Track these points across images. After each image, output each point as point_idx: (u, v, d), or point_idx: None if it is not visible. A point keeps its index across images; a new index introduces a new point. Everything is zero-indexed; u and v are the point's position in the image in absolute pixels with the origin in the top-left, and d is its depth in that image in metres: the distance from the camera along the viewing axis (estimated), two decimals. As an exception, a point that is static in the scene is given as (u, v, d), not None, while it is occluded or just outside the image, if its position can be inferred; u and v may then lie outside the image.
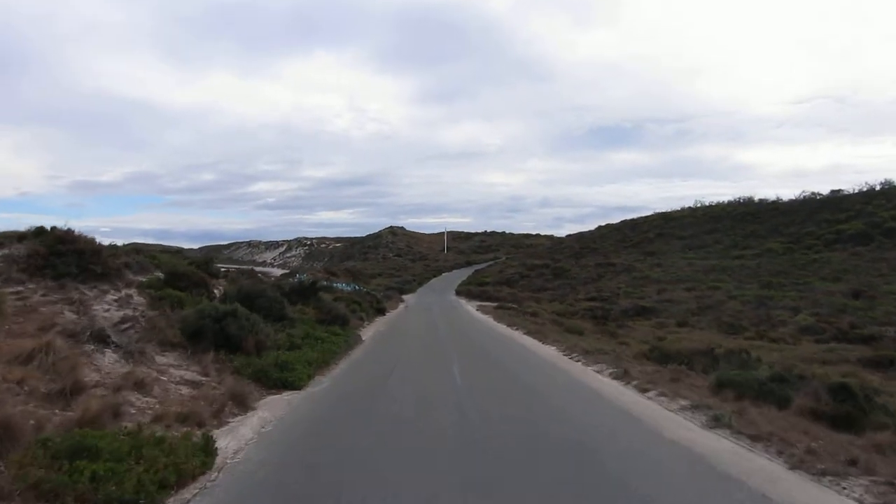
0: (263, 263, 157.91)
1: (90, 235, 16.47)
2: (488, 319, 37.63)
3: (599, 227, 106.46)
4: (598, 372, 15.32)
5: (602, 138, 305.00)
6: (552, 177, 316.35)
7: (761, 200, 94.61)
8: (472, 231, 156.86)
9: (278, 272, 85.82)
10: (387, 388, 12.12)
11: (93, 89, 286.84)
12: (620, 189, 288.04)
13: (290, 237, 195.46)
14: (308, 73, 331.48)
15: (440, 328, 29.43)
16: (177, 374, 11.35)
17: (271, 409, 10.23)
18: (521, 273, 75.69)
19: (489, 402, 10.89)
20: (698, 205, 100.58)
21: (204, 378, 11.51)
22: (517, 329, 29.69)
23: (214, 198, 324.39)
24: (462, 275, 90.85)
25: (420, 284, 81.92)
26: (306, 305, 23.51)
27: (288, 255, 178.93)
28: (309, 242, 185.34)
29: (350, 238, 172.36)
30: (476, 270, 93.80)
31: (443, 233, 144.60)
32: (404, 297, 63.75)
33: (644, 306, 50.51)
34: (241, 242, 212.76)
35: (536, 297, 61.11)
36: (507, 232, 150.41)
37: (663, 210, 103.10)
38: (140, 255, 20.40)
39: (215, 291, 20.52)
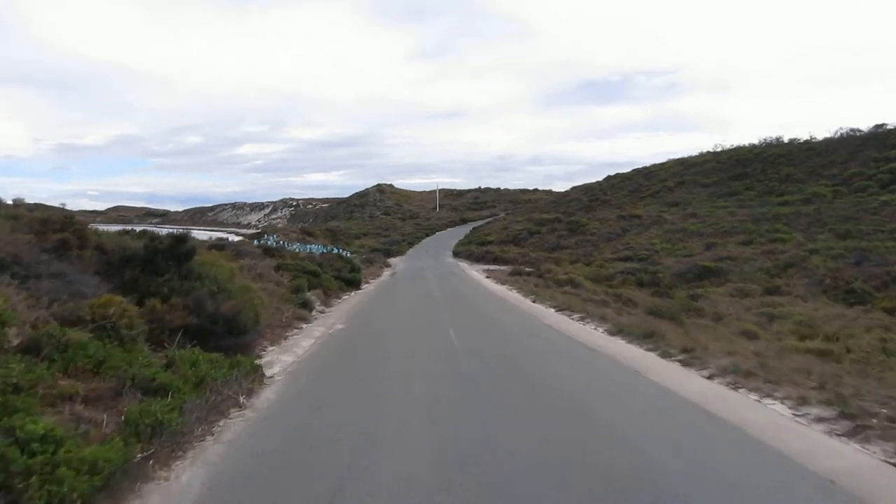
0: (248, 225, 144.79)
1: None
2: (513, 296, 23.82)
3: (608, 178, 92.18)
4: None
5: (590, 93, 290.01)
6: (541, 134, 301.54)
7: (792, 140, 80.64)
8: (465, 188, 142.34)
9: (248, 233, 71.82)
10: None
11: (72, 50, 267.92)
12: (610, 145, 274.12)
13: (277, 199, 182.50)
14: (290, 32, 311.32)
15: (444, 319, 15.79)
16: None
17: None
18: (529, 230, 61.90)
19: None
20: (719, 149, 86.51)
21: None
22: (581, 319, 15.95)
23: (202, 161, 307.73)
24: (458, 233, 76.95)
25: (411, 245, 68.04)
26: (147, 296, 9.73)
27: (273, 216, 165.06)
28: (295, 203, 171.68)
29: (338, 199, 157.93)
30: (474, 228, 79.84)
31: (434, 190, 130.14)
32: (391, 260, 49.97)
33: (707, 267, 36.98)
34: (226, 204, 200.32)
35: (554, 258, 47.53)
36: (502, 188, 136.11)
37: (677, 158, 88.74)
38: None
39: None
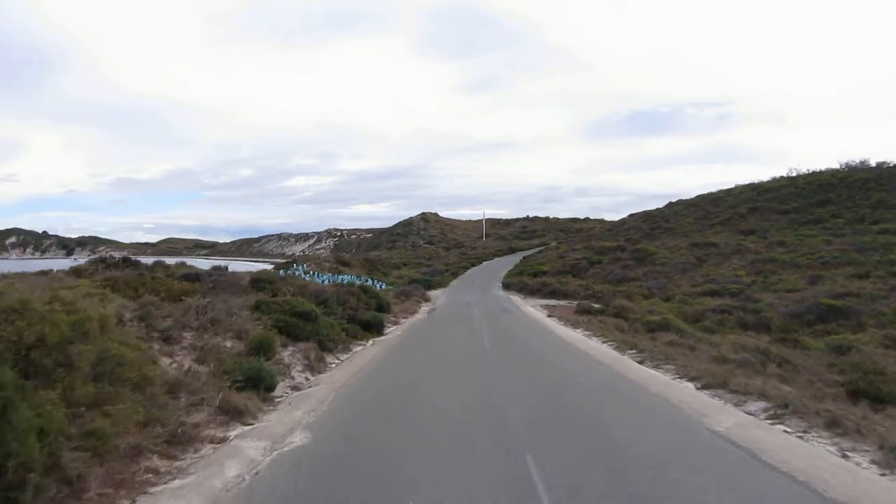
0: (291, 255, 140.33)
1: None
2: (600, 349, 15.74)
3: (670, 204, 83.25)
4: None
5: (639, 125, 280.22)
6: (588, 165, 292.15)
7: (881, 164, 70.91)
8: (512, 218, 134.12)
9: (279, 262, 65.61)
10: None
11: (130, 88, 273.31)
12: (659, 177, 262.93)
13: (322, 230, 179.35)
14: (342, 66, 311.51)
15: (509, 409, 8.17)
16: None
17: None
18: (588, 259, 53.59)
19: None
20: (793, 173, 77.22)
21: None
22: (776, 417, 8.04)
23: (252, 193, 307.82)
24: (506, 263, 69.12)
25: (455, 275, 60.42)
26: None
27: (317, 246, 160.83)
28: (339, 234, 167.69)
29: (382, 229, 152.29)
30: (524, 258, 71.89)
31: (480, 220, 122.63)
32: (432, 292, 42.47)
33: (832, 306, 28.27)
34: (272, 235, 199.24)
35: (623, 292, 39.24)
36: (552, 217, 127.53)
37: (748, 184, 79.25)
38: None
39: None
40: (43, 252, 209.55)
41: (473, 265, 72.80)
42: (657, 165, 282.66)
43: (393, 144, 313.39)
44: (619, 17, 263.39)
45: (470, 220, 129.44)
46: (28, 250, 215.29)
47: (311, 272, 51.97)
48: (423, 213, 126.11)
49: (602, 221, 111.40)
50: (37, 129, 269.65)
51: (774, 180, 76.38)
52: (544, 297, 39.90)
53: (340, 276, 49.58)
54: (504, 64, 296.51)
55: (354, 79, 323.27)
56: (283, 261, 67.48)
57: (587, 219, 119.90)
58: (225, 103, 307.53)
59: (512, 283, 47.32)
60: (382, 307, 25.12)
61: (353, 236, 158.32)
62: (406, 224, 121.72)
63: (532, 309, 31.36)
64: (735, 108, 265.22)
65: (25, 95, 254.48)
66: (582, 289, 41.15)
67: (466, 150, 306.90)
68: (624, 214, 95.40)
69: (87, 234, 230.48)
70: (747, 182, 79.03)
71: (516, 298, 39.30)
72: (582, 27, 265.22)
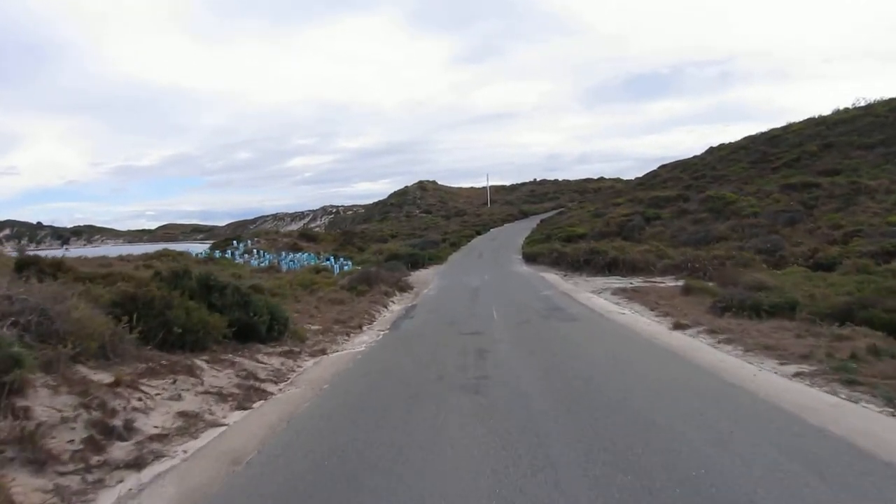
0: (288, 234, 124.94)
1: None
2: None
3: (711, 149, 66.55)
4: None
5: (639, 88, 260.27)
6: (589, 132, 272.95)
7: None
8: (518, 183, 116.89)
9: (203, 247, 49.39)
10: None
11: (124, 75, 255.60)
12: (660, 140, 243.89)
13: (317, 208, 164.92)
14: (336, 43, 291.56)
15: None
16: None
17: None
18: (643, 214, 37.25)
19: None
20: (862, 102, 60.25)
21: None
22: None
23: (253, 176, 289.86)
24: (521, 229, 52.88)
25: (454, 246, 44.04)
26: None
27: (313, 224, 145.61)
28: (334, 210, 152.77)
29: (377, 202, 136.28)
30: (543, 220, 55.61)
31: (483, 187, 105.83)
32: (420, 272, 26.36)
33: None
34: (268, 216, 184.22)
35: (723, 257, 22.99)
36: (562, 179, 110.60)
37: (810, 118, 62.29)
38: None
39: None
40: (38, 243, 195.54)
41: (479, 233, 56.44)
42: (659, 128, 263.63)
43: (391, 120, 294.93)
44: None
45: (473, 188, 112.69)
46: (23, 242, 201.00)
47: (255, 251, 35.92)
48: (421, 182, 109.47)
49: (619, 180, 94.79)
50: (34, 121, 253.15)
51: (843, 111, 59.56)
52: (598, 272, 23.79)
53: (291, 255, 33.46)
54: (499, 33, 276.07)
55: (349, 56, 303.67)
56: (223, 239, 51.14)
57: (602, 178, 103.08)
58: (221, 86, 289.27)
59: (538, 254, 30.94)
60: (257, 333, 9.05)
61: (350, 212, 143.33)
62: (401, 194, 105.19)
63: (603, 301, 15.27)
64: (735, 66, 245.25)
65: (23, 86, 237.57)
66: (654, 256, 24.93)
67: (466, 123, 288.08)
68: (627, 178, 78.98)
69: (85, 224, 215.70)
70: (806, 117, 62.27)
71: (554, 278, 23.20)
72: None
